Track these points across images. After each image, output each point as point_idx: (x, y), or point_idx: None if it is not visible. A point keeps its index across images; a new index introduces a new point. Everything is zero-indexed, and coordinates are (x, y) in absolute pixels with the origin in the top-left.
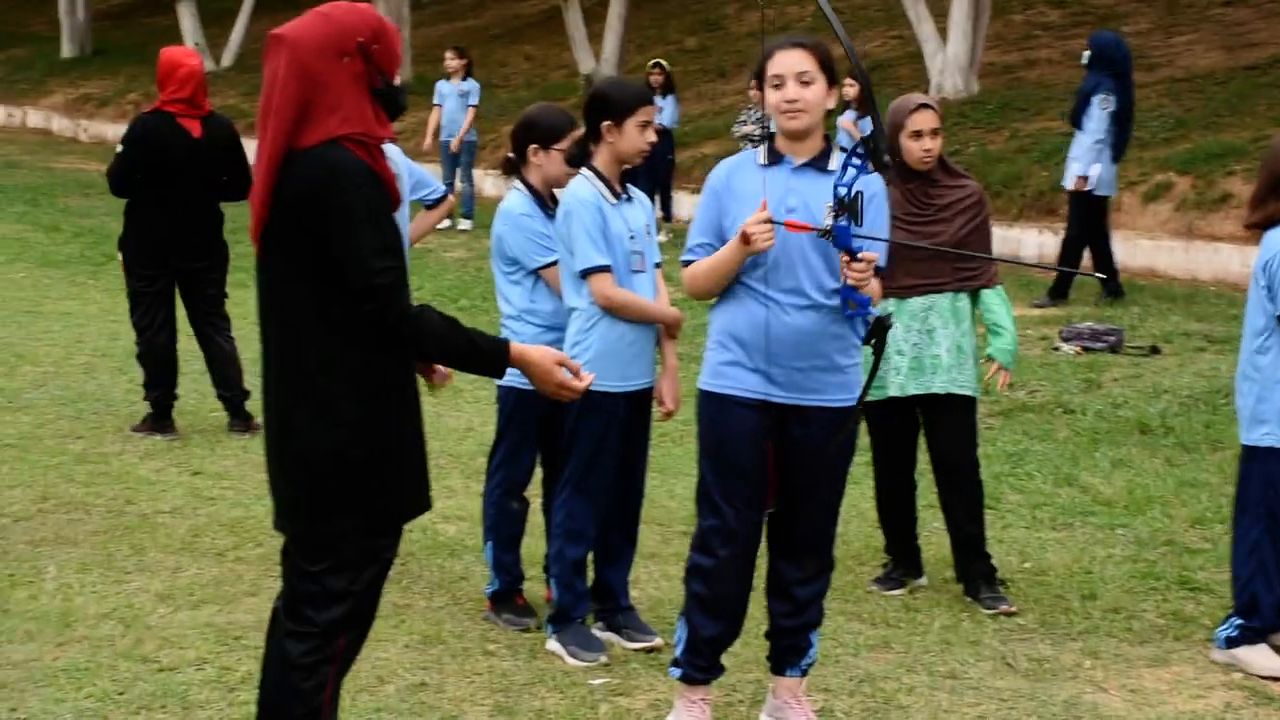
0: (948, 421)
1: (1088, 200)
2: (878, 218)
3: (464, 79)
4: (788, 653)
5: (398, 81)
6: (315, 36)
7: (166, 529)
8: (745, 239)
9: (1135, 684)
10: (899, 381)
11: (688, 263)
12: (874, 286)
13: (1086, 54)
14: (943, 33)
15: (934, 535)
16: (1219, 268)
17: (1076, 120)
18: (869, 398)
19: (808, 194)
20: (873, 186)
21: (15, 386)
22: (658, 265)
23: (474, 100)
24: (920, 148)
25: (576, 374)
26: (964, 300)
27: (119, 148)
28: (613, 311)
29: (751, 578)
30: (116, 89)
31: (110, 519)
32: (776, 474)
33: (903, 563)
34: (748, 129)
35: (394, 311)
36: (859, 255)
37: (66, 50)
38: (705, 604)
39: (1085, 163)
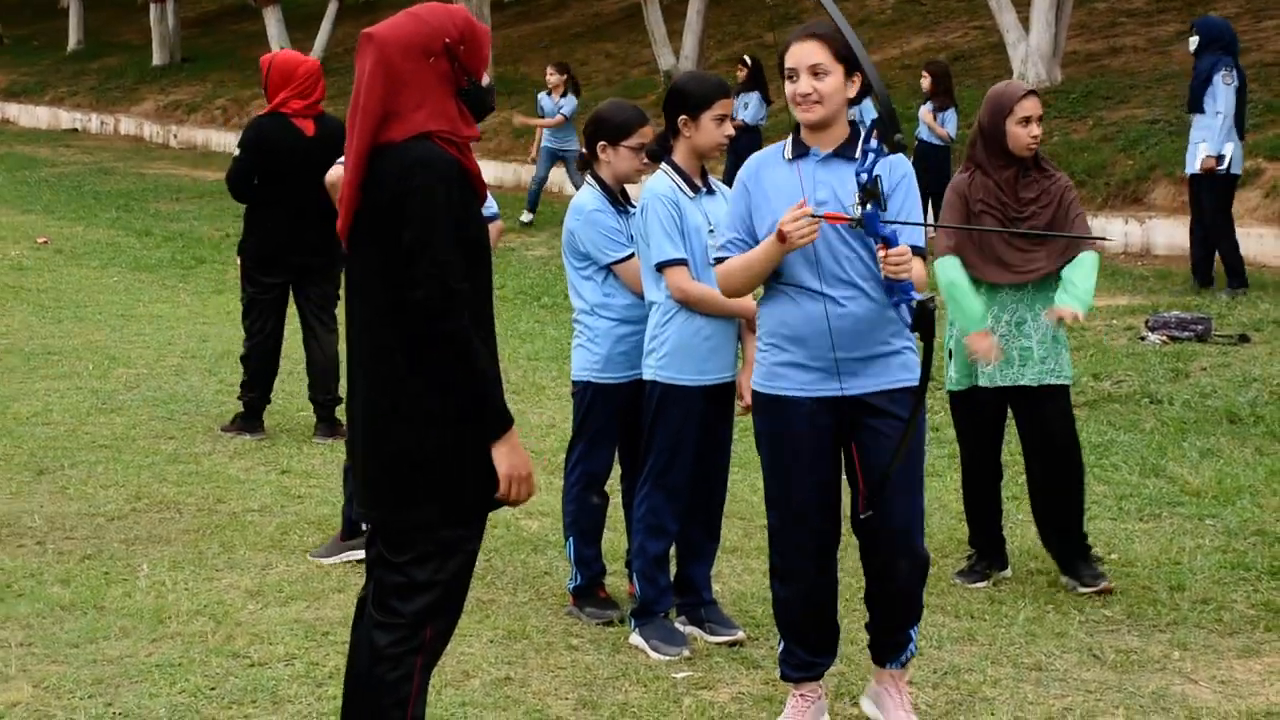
0: (1045, 411)
1: (1218, 181)
2: (907, 199)
3: (564, 95)
4: (887, 648)
5: (485, 82)
6: (403, 36)
7: (256, 527)
8: (782, 237)
9: (1225, 675)
10: (987, 371)
11: (719, 259)
12: (916, 269)
13: (1194, 40)
14: (1024, 22)
15: (1017, 527)
16: None
17: (1197, 104)
18: (955, 387)
19: (835, 184)
20: (900, 169)
21: (109, 389)
22: None
23: (566, 111)
24: (1028, 134)
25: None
26: (1055, 291)
27: (236, 152)
28: (688, 305)
29: (833, 575)
30: (205, 95)
31: (201, 517)
32: (861, 473)
33: (987, 554)
34: None
35: (446, 310)
36: (894, 243)
37: (157, 58)
38: (785, 605)
39: (1217, 142)
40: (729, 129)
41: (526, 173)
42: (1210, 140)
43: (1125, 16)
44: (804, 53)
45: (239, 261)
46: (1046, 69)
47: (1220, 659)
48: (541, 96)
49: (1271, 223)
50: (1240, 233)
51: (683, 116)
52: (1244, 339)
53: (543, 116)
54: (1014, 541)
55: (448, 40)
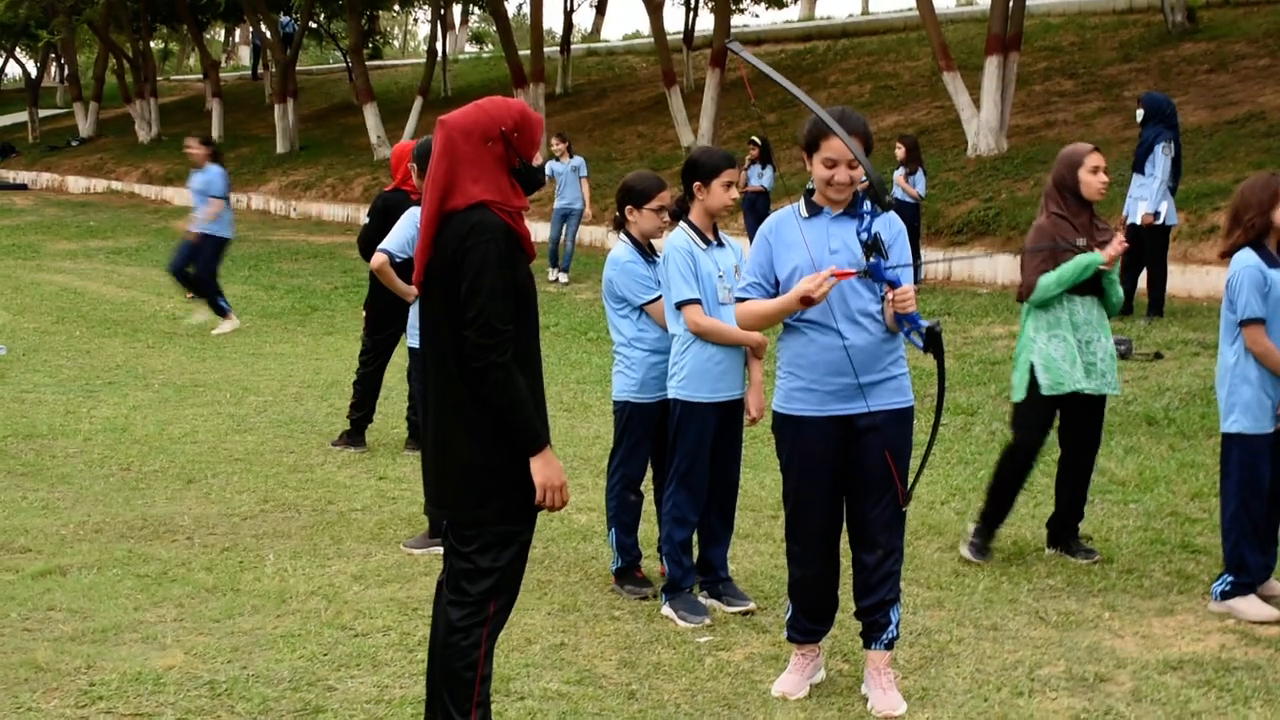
0: (1096, 415)
1: (1156, 232)
2: (904, 247)
3: (571, 157)
4: (871, 629)
5: (536, 162)
6: (467, 123)
7: (359, 523)
8: (808, 300)
9: (1146, 631)
10: (1078, 378)
11: (740, 299)
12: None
13: (1140, 112)
14: (976, 102)
15: (976, 512)
16: (1210, 287)
17: (1139, 165)
18: (1056, 391)
19: (846, 238)
20: (895, 224)
21: (242, 413)
22: None
23: (584, 173)
24: (1099, 181)
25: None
26: (1105, 314)
27: (365, 219)
28: (702, 336)
29: (836, 560)
30: (317, 176)
31: (315, 516)
32: (853, 476)
33: (993, 525)
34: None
35: (492, 346)
36: (899, 285)
37: (280, 147)
38: (798, 583)
39: (1154, 201)
40: (735, 193)
41: (584, 231)
42: (1149, 200)
43: (1057, 96)
44: (844, 149)
45: (364, 314)
46: (995, 140)
47: (1142, 618)
48: (552, 163)
49: (1178, 261)
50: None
51: (697, 183)
52: (1158, 356)
53: (552, 178)
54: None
55: (504, 128)
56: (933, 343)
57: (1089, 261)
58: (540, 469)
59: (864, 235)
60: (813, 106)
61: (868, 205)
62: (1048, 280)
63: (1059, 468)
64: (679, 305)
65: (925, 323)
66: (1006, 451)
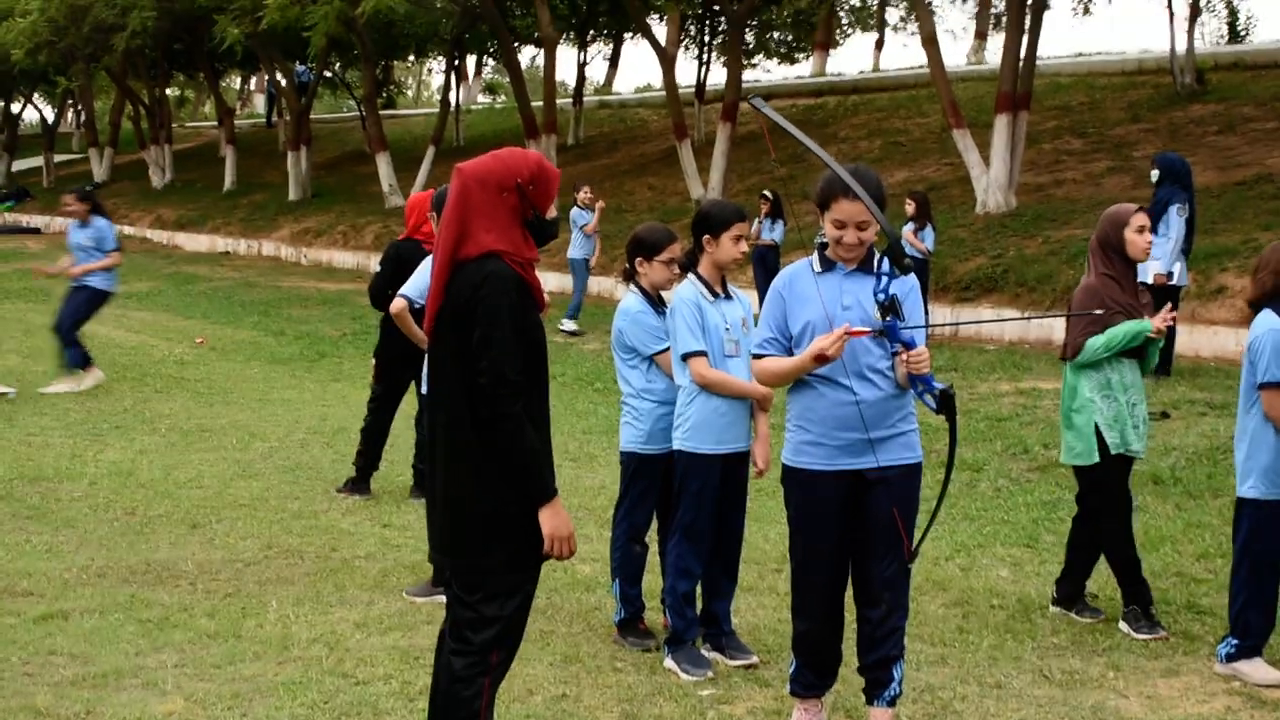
0: (1131, 474)
1: (1168, 292)
2: (916, 306)
3: (589, 209)
4: (874, 685)
5: (550, 215)
6: (482, 172)
7: (362, 570)
8: (823, 359)
9: (1151, 691)
10: (1136, 437)
11: (758, 356)
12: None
13: (1155, 173)
14: (986, 160)
15: (981, 570)
16: (1218, 347)
17: (1153, 226)
18: (1118, 451)
19: (859, 294)
20: (909, 283)
21: (248, 458)
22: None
23: (582, 223)
24: (1145, 240)
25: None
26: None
27: (376, 267)
28: (706, 388)
29: (840, 614)
30: (329, 223)
31: (319, 563)
32: (860, 531)
33: (1144, 599)
34: (821, 239)
35: (504, 395)
36: (913, 346)
37: (292, 194)
38: (802, 637)
39: (1168, 262)
40: (744, 247)
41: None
42: (1163, 260)
43: (1066, 155)
44: (853, 211)
45: (373, 362)
46: (1004, 197)
47: (1147, 678)
48: (575, 211)
49: (1185, 321)
50: None
51: (706, 236)
52: (1165, 415)
53: (574, 227)
54: (978, 582)
55: (519, 180)
56: (945, 405)
57: (1139, 329)
58: (549, 519)
59: (881, 296)
60: (832, 164)
61: (886, 265)
62: (1095, 344)
63: (1074, 527)
64: (685, 357)
65: (939, 385)
66: (1104, 523)
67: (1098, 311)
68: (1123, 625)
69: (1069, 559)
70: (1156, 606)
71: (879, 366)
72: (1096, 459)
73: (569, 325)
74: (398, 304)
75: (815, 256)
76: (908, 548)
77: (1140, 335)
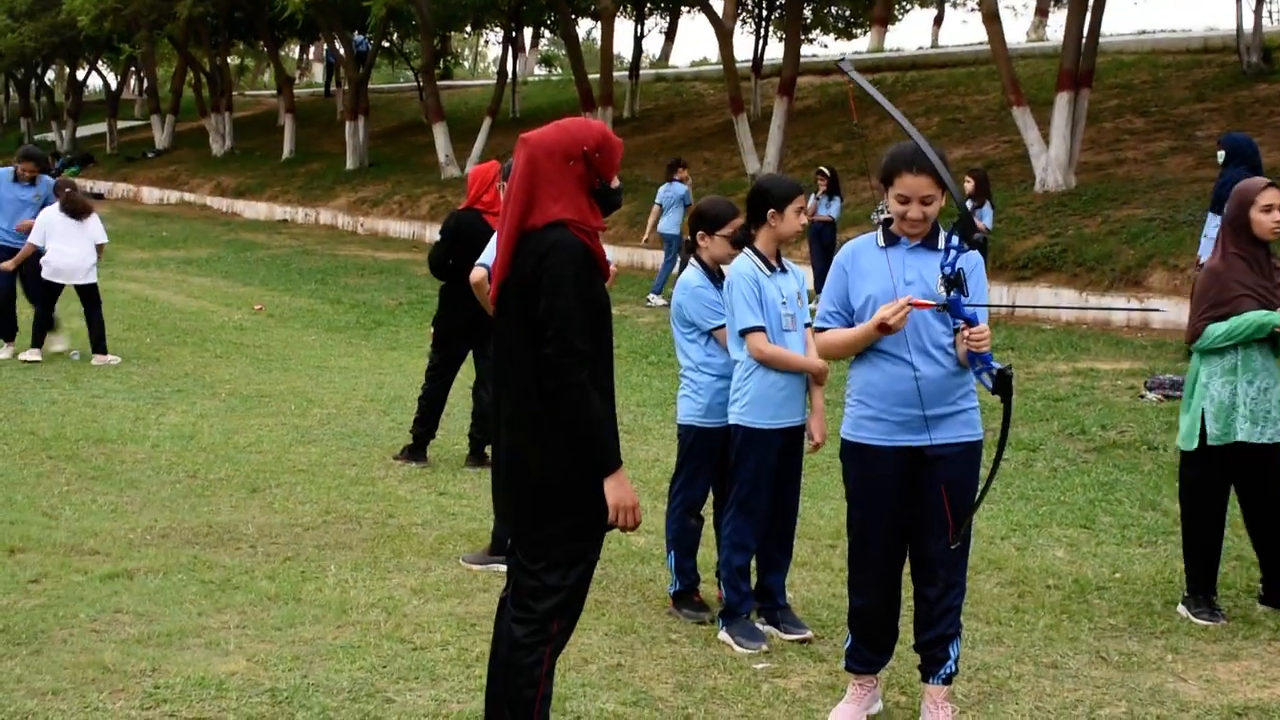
0: (1272, 467)
1: None
2: (980, 283)
3: (676, 184)
4: (929, 663)
5: (616, 184)
6: (550, 142)
7: (419, 537)
8: (884, 328)
9: (1210, 675)
10: (1245, 428)
11: (820, 329)
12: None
13: (1221, 153)
14: (1045, 137)
15: (1036, 550)
16: None
17: (1218, 206)
18: (1223, 441)
19: (922, 268)
20: (973, 259)
21: (306, 425)
22: (808, 325)
23: (688, 200)
24: (1271, 219)
25: (632, 526)
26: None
27: (436, 237)
28: (764, 363)
29: (898, 591)
30: (385, 192)
31: (376, 529)
32: (918, 508)
33: (1207, 588)
34: (885, 216)
35: (570, 365)
36: (975, 323)
37: (349, 164)
38: (858, 612)
39: None
40: (805, 218)
41: (637, 255)
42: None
43: (1127, 134)
44: (918, 185)
45: (432, 331)
46: (1063, 176)
47: (1206, 661)
48: (673, 186)
49: None
50: None
51: (771, 210)
52: None
53: (675, 202)
54: (1034, 562)
55: (585, 149)
56: (1002, 385)
57: (1264, 321)
58: (614, 489)
59: (947, 269)
60: (915, 134)
61: (955, 239)
62: (1215, 331)
63: (1248, 523)
64: (743, 332)
65: (997, 364)
66: (1186, 506)
67: (1156, 308)
68: (1182, 609)
69: (1260, 556)
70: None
71: (942, 343)
72: (1194, 446)
73: (656, 300)
74: (477, 273)
75: (879, 231)
76: (953, 530)
77: (1266, 327)
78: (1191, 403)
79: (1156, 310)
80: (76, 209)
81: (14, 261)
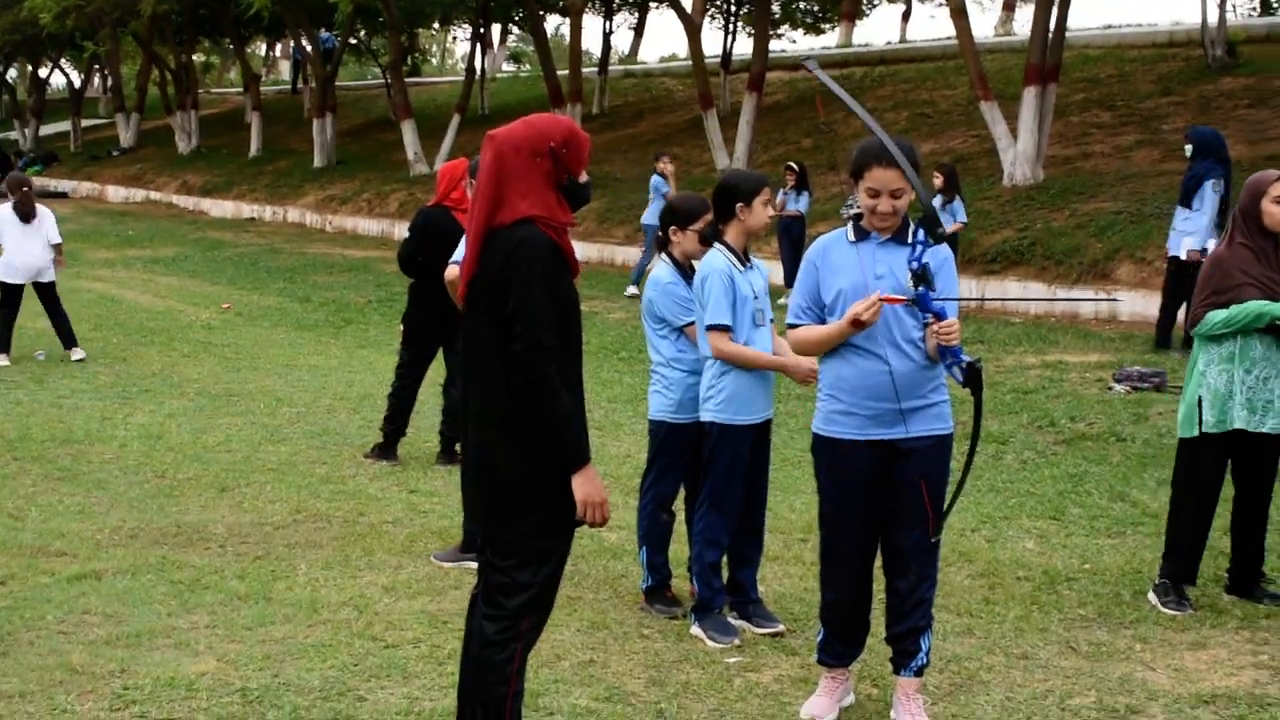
0: (1268, 457)
1: (1199, 266)
2: (950, 277)
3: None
4: (901, 655)
5: (584, 179)
6: (516, 138)
7: (390, 535)
8: (858, 324)
9: (1178, 664)
10: (1242, 416)
11: (793, 325)
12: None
13: (1188, 147)
14: (1013, 132)
15: (1008, 541)
16: None
17: (1186, 200)
18: (1212, 430)
19: (893, 263)
20: (941, 253)
21: (275, 423)
22: (771, 321)
23: (660, 190)
24: None
25: (600, 521)
26: None
27: (405, 234)
28: (725, 361)
29: (869, 584)
30: (354, 190)
31: (347, 527)
32: (889, 501)
33: (1183, 577)
34: (854, 211)
35: (538, 360)
36: (944, 317)
37: (317, 161)
38: (830, 606)
39: (1201, 238)
40: (771, 210)
41: (608, 251)
42: (1196, 236)
43: (1094, 128)
44: (888, 179)
45: (401, 328)
46: (1031, 169)
47: (1174, 650)
48: (655, 178)
49: None
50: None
51: (739, 204)
52: None
53: (655, 194)
54: (1004, 554)
55: (552, 144)
56: (972, 379)
57: (1263, 310)
58: (582, 485)
59: (914, 264)
60: (876, 129)
61: (921, 235)
62: (1215, 318)
63: (1233, 510)
64: (709, 327)
65: (966, 358)
66: (1178, 492)
67: (1114, 298)
68: (1151, 597)
69: (1234, 545)
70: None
71: (912, 337)
72: (1194, 433)
73: (632, 290)
74: (451, 271)
75: (849, 226)
76: (932, 522)
77: (1266, 317)
78: (1186, 389)
79: (1114, 300)
80: (26, 211)
81: None
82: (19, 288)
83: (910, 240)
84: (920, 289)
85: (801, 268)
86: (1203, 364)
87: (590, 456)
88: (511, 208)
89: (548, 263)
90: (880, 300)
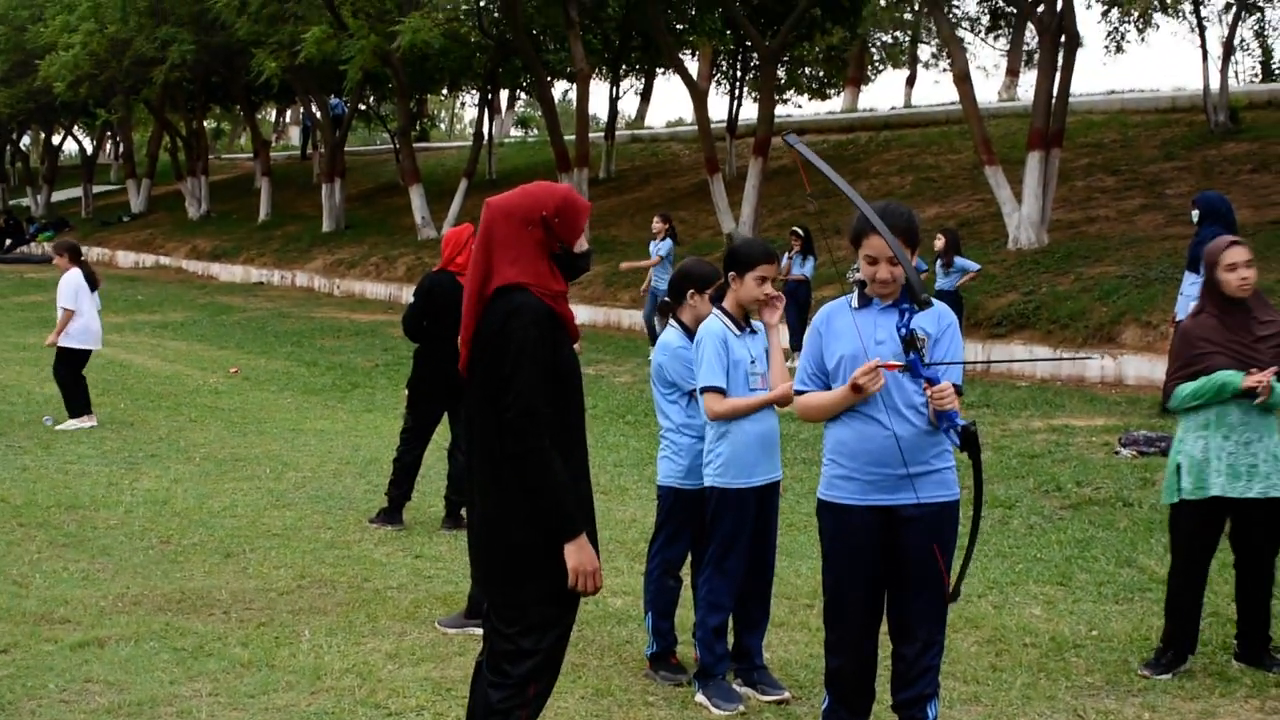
0: (1266, 521)
1: None
2: (952, 342)
3: (662, 240)
4: None
5: (580, 249)
6: (509, 206)
7: (394, 601)
8: (857, 389)
9: None
10: (1220, 483)
11: (800, 391)
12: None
13: (1195, 212)
14: (1018, 196)
15: (1014, 608)
16: None
17: (1194, 265)
18: (1190, 496)
19: (892, 329)
20: (946, 319)
21: (281, 488)
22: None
23: (662, 252)
24: (1237, 278)
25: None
26: (1273, 416)
27: (412, 298)
28: (717, 419)
29: (874, 651)
30: (362, 254)
31: (351, 593)
32: (894, 567)
33: (1178, 647)
34: (859, 276)
35: (530, 429)
36: (936, 382)
37: (326, 225)
38: (834, 673)
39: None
40: (769, 288)
41: (614, 314)
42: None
43: (1099, 193)
44: (884, 246)
45: (406, 393)
46: (1035, 234)
47: (1183, 719)
48: (652, 243)
49: None
50: None
51: (732, 273)
52: None
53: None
54: (1011, 620)
55: (544, 213)
56: (968, 442)
57: (1226, 381)
58: (573, 554)
59: (902, 331)
60: (858, 201)
61: (907, 304)
62: (1183, 392)
63: (1235, 576)
64: (702, 389)
65: (961, 421)
66: (1172, 563)
67: (1096, 356)
68: (1144, 670)
69: (1239, 611)
70: (1194, 657)
71: (914, 402)
72: (1174, 499)
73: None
74: None
75: (855, 293)
76: (948, 584)
77: (1229, 388)
78: (1170, 457)
79: (1087, 359)
80: (94, 278)
81: (57, 332)
82: (90, 352)
83: (899, 310)
84: (910, 355)
85: (807, 335)
86: (1181, 432)
87: (581, 529)
88: (500, 274)
89: (543, 328)
90: (878, 367)
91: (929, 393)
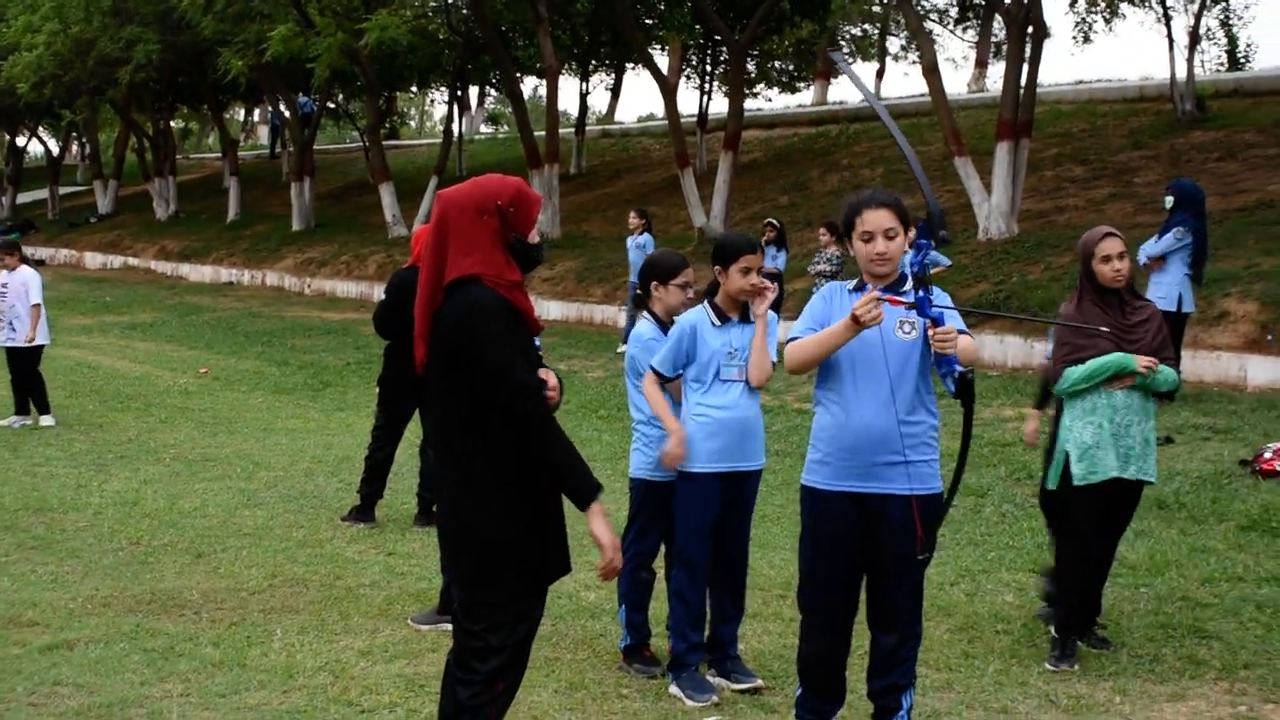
0: (1126, 506)
1: (1173, 318)
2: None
3: (640, 234)
4: (881, 712)
5: (533, 239)
6: (463, 197)
7: (367, 599)
8: (856, 320)
9: (1157, 716)
10: (1116, 465)
11: (793, 340)
12: (963, 344)
13: (1169, 199)
14: (987, 186)
15: (986, 595)
16: (1220, 372)
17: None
18: (1089, 480)
19: (888, 310)
20: (944, 298)
21: (253, 488)
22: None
23: (648, 250)
24: (1111, 269)
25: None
26: (1151, 400)
27: (383, 296)
28: (649, 400)
29: (848, 638)
30: (332, 253)
31: (324, 591)
32: (868, 555)
33: (1079, 632)
34: (820, 268)
35: (539, 412)
36: (941, 323)
37: (296, 224)
38: (806, 659)
39: (1145, 251)
40: (754, 278)
41: (586, 310)
42: (1143, 249)
43: (1068, 182)
44: (880, 219)
45: (377, 391)
46: (1005, 224)
47: (1154, 703)
48: (630, 238)
49: (1189, 346)
50: None
51: (717, 266)
52: (1169, 440)
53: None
54: (983, 607)
55: (499, 203)
56: (964, 389)
57: (1119, 364)
58: (602, 525)
59: (915, 267)
60: (892, 128)
61: (922, 240)
62: (1075, 374)
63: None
64: (651, 368)
65: (960, 368)
66: (1060, 548)
67: (1104, 329)
68: (1049, 665)
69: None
70: (1106, 638)
71: (897, 393)
72: (1056, 485)
73: (624, 349)
74: None
75: (852, 281)
76: (921, 539)
77: (1124, 369)
78: (1056, 446)
79: (1105, 331)
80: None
81: (33, 327)
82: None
83: (913, 243)
84: (920, 293)
85: (814, 299)
86: (1068, 419)
87: (597, 492)
88: (455, 265)
89: (504, 319)
90: (878, 299)
91: (933, 334)
